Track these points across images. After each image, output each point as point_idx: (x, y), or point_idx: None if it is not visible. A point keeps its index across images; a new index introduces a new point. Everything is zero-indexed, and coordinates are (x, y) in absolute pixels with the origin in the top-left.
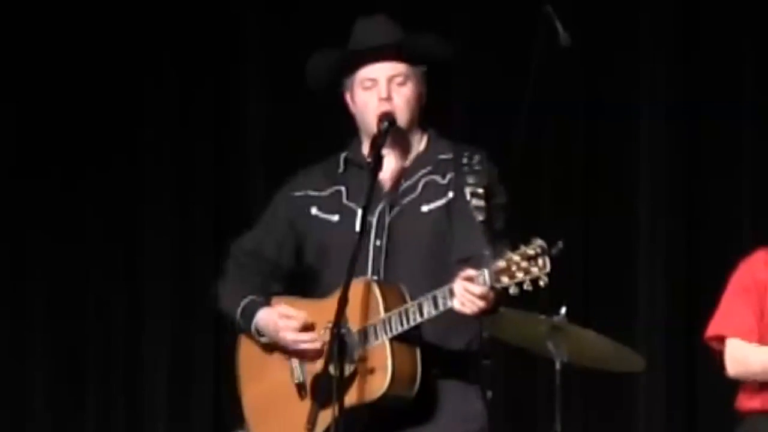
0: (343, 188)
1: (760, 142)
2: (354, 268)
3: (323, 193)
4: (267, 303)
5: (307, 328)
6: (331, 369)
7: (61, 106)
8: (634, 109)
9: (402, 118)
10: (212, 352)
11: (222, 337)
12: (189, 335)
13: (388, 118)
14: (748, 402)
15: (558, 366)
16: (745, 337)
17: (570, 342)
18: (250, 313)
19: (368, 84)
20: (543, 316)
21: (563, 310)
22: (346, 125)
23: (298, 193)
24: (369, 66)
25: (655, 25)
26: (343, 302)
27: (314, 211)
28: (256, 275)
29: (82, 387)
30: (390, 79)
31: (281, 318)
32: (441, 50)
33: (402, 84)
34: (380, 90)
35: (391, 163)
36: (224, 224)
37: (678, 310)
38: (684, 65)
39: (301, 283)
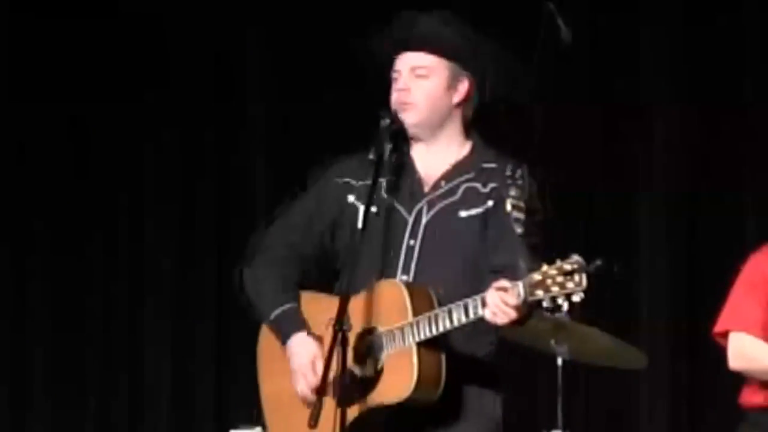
0: (383, 180)
1: (762, 140)
2: (356, 266)
3: (362, 183)
4: (304, 322)
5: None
6: (356, 370)
7: (67, 110)
8: (634, 109)
9: (416, 112)
10: (213, 350)
11: (223, 334)
12: (189, 334)
13: (387, 116)
14: (751, 398)
15: (560, 363)
16: (751, 331)
17: (572, 339)
18: (288, 326)
19: (395, 75)
20: (546, 314)
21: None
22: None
23: (339, 180)
24: (398, 57)
25: (655, 24)
26: (344, 300)
27: (351, 199)
28: (292, 261)
29: (82, 385)
30: (412, 70)
31: (310, 368)
32: (465, 47)
33: (423, 77)
34: (400, 81)
35: (431, 164)
36: (225, 223)
37: (680, 307)
38: (686, 65)
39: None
